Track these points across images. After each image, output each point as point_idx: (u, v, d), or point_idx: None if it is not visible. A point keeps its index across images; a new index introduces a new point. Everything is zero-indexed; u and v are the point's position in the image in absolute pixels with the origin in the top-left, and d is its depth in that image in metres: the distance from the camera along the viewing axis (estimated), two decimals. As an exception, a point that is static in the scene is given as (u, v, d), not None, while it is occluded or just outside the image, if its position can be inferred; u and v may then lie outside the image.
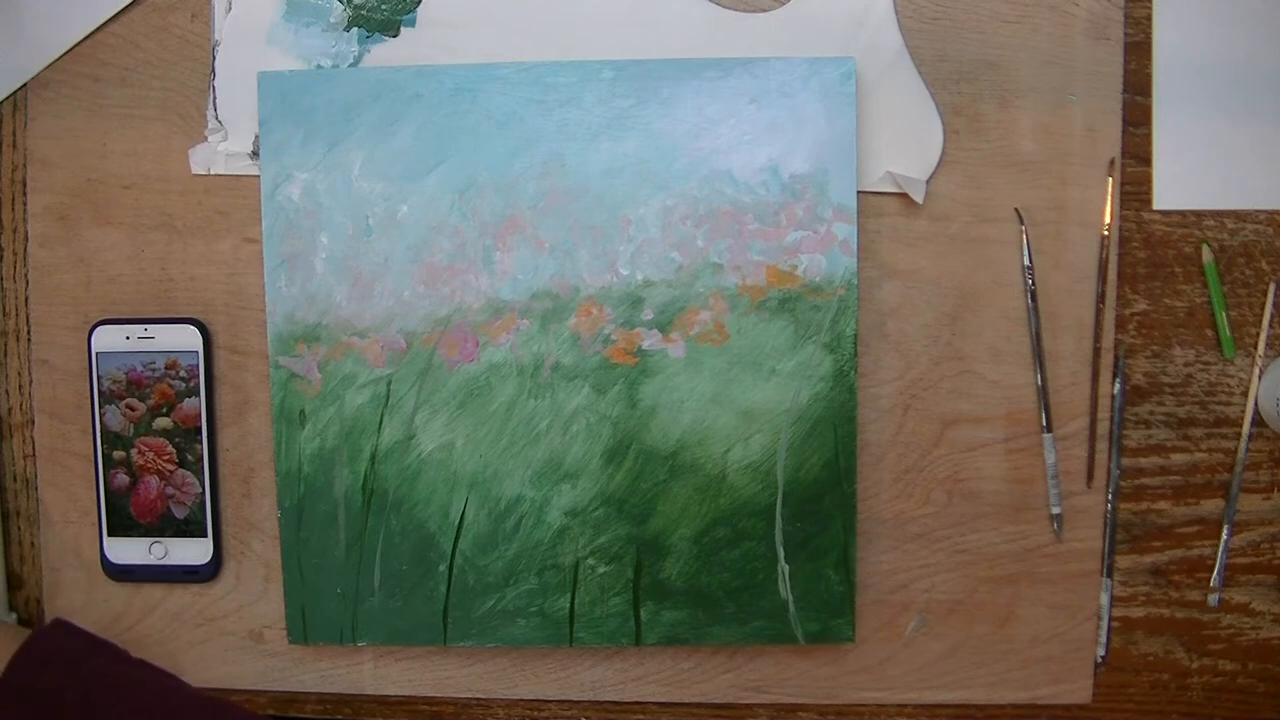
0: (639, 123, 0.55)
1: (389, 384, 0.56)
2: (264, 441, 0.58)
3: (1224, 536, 0.58)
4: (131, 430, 0.58)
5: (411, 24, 0.57)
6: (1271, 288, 0.57)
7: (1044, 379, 0.57)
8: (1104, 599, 0.58)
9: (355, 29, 0.57)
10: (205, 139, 0.58)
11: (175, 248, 0.58)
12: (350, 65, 0.57)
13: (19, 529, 0.60)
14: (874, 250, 0.57)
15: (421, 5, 0.57)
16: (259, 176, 0.56)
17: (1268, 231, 0.57)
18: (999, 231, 0.57)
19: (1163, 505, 0.58)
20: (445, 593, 0.57)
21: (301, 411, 0.56)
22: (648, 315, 0.55)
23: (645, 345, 0.56)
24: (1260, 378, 0.57)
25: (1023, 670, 0.58)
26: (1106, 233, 0.57)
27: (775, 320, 0.55)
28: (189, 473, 0.58)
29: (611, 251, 0.55)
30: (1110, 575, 0.58)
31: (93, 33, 0.57)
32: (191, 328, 0.57)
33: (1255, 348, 0.57)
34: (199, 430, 0.58)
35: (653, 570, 0.56)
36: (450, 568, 0.57)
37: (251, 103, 0.56)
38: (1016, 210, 0.57)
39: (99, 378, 0.58)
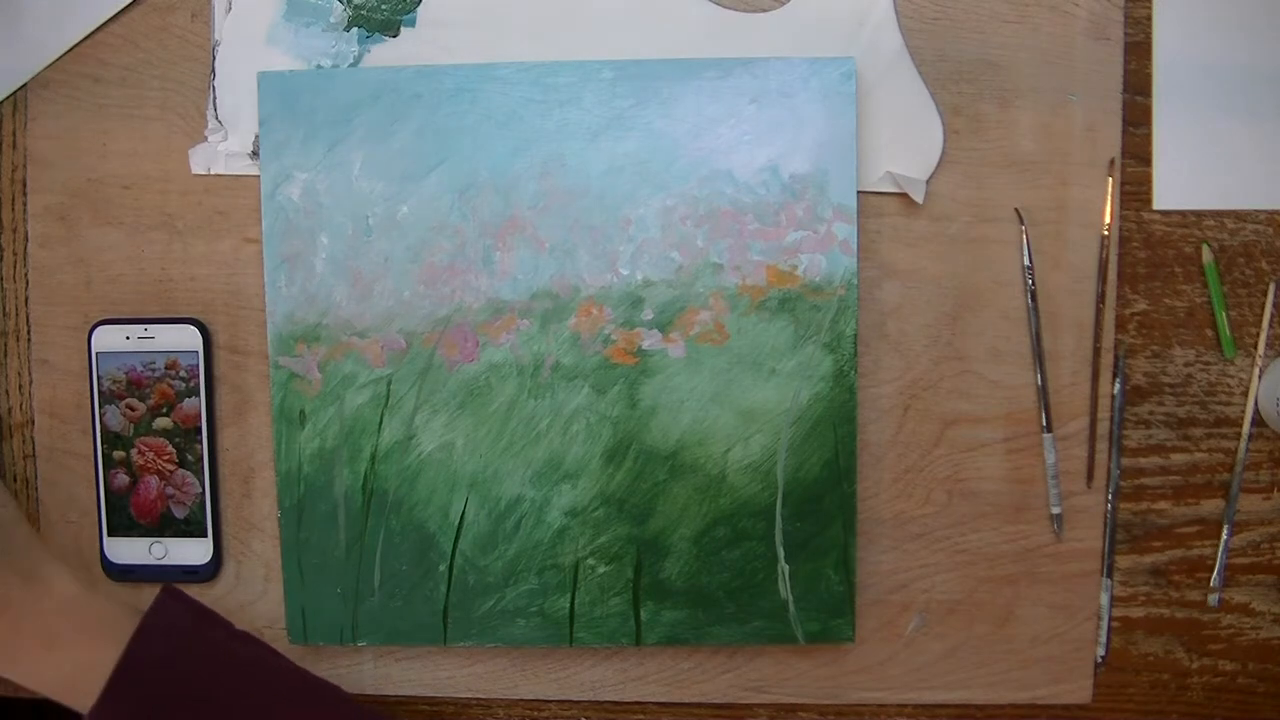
0: (639, 123, 0.55)
1: (389, 384, 0.56)
2: (264, 441, 0.58)
3: (1224, 536, 0.58)
4: (131, 430, 0.58)
5: (411, 24, 0.57)
6: (1271, 288, 0.57)
7: (1044, 379, 0.57)
8: (1104, 599, 0.58)
9: (355, 29, 0.57)
10: (205, 139, 0.58)
11: (175, 248, 0.58)
12: (350, 65, 0.57)
13: (19, 529, 0.60)
14: (874, 250, 0.57)
15: (421, 5, 0.57)
16: (259, 176, 0.56)
17: (1268, 231, 0.57)
18: (999, 231, 0.57)
19: (1163, 505, 0.58)
20: (445, 593, 0.57)
21: (301, 411, 0.56)
22: (648, 315, 0.55)
23: (645, 345, 0.56)
24: (1260, 378, 0.57)
25: (1023, 670, 0.58)
26: (1106, 233, 0.57)
27: (775, 320, 0.55)
28: (189, 473, 0.58)
29: (611, 251, 0.55)
30: (1110, 575, 0.58)
31: (93, 33, 0.57)
32: (191, 328, 0.57)
33: (1255, 348, 0.57)
34: (199, 430, 0.58)
35: (653, 570, 0.56)
36: (450, 568, 0.57)
37: (251, 103, 0.56)
38: (1016, 210, 0.57)
39: (99, 378, 0.58)
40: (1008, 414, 0.57)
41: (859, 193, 0.55)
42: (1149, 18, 0.56)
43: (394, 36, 0.57)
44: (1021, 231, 0.57)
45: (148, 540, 0.58)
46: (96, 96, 0.58)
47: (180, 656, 0.48)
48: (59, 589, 0.47)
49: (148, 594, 0.59)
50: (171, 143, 0.58)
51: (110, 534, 0.58)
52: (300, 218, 0.56)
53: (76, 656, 0.46)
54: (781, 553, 0.56)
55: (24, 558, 0.47)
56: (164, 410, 0.58)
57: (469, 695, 0.60)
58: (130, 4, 0.57)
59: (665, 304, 0.55)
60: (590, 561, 0.56)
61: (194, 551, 0.58)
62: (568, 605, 0.57)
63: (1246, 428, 0.57)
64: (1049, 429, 0.57)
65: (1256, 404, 0.57)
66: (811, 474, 0.56)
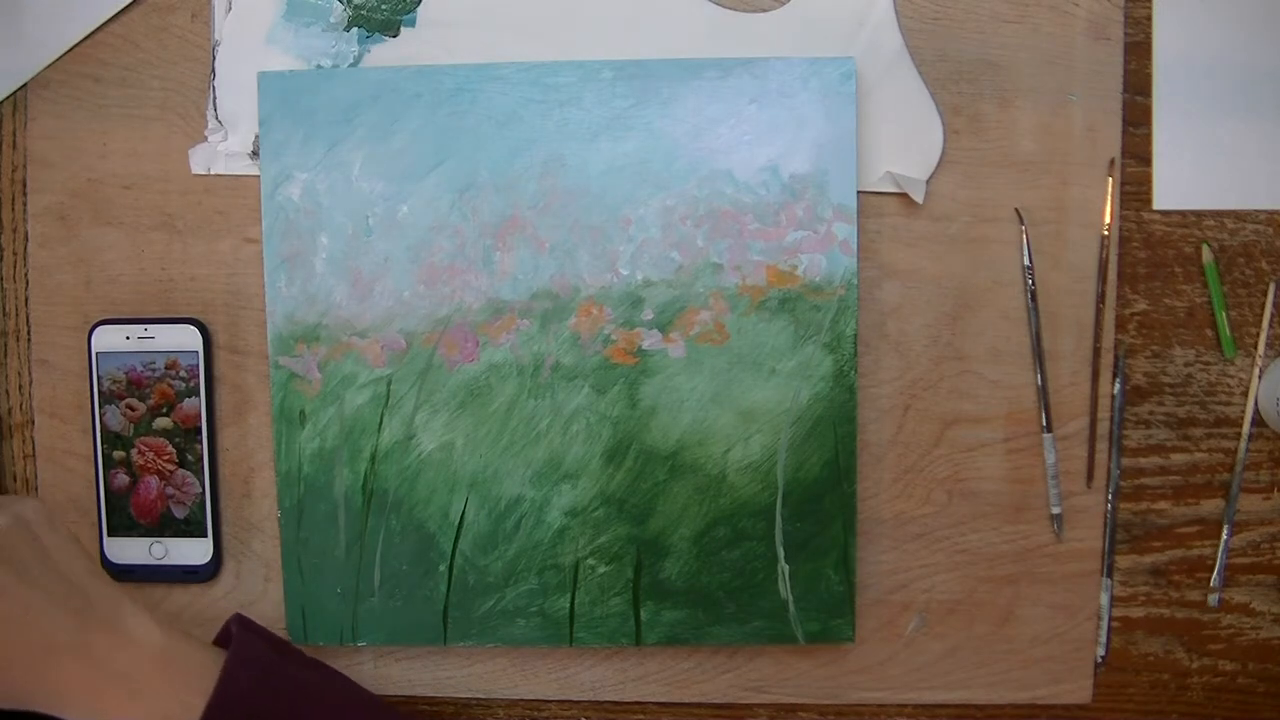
0: (639, 123, 0.55)
1: (389, 384, 0.56)
2: (264, 441, 0.58)
3: (1224, 536, 0.58)
4: (131, 430, 0.58)
5: (411, 24, 0.57)
6: (1271, 288, 0.57)
7: (1044, 379, 0.57)
8: (1104, 599, 0.58)
9: (355, 29, 0.57)
10: (205, 139, 0.58)
11: (175, 248, 0.58)
12: (350, 65, 0.57)
13: (19, 529, 0.60)
14: (874, 250, 0.57)
15: (421, 5, 0.57)
16: (259, 176, 0.56)
17: (1268, 231, 0.57)
18: (999, 231, 0.57)
19: (1163, 505, 0.58)
20: (445, 593, 0.57)
21: (301, 411, 0.56)
22: (648, 315, 0.55)
23: (645, 345, 0.56)
24: (1260, 378, 0.57)
25: (1023, 670, 0.58)
26: (1106, 233, 0.57)
27: (775, 320, 0.55)
28: (189, 473, 0.58)
29: (611, 251, 0.55)
30: (1110, 575, 0.58)
31: (93, 33, 0.57)
32: (191, 328, 0.57)
33: (1255, 348, 0.57)
34: (199, 430, 0.58)
35: (653, 570, 0.56)
36: (450, 568, 0.57)
37: (251, 103, 0.56)
38: (1016, 210, 0.57)
39: (99, 378, 0.58)
40: (1008, 414, 0.57)
41: (859, 193, 0.55)
42: (1149, 18, 0.56)
43: (394, 36, 0.57)
44: (1021, 231, 0.57)
45: (148, 540, 0.58)
46: (96, 96, 0.58)
47: (261, 693, 0.47)
48: (140, 637, 0.46)
49: (147, 594, 0.59)
50: (171, 143, 0.58)
51: (110, 534, 0.58)
52: (300, 218, 0.56)
53: (162, 703, 0.45)
54: (781, 553, 0.56)
55: (104, 609, 0.46)
56: (164, 410, 0.58)
57: (469, 695, 0.60)
58: (130, 4, 0.57)
59: (665, 304, 0.55)
60: (590, 561, 0.56)
61: (194, 551, 0.58)
62: (568, 605, 0.57)
63: (1246, 428, 0.57)
64: (1049, 429, 0.57)
65: (1256, 404, 0.57)
66: (811, 474, 0.56)
